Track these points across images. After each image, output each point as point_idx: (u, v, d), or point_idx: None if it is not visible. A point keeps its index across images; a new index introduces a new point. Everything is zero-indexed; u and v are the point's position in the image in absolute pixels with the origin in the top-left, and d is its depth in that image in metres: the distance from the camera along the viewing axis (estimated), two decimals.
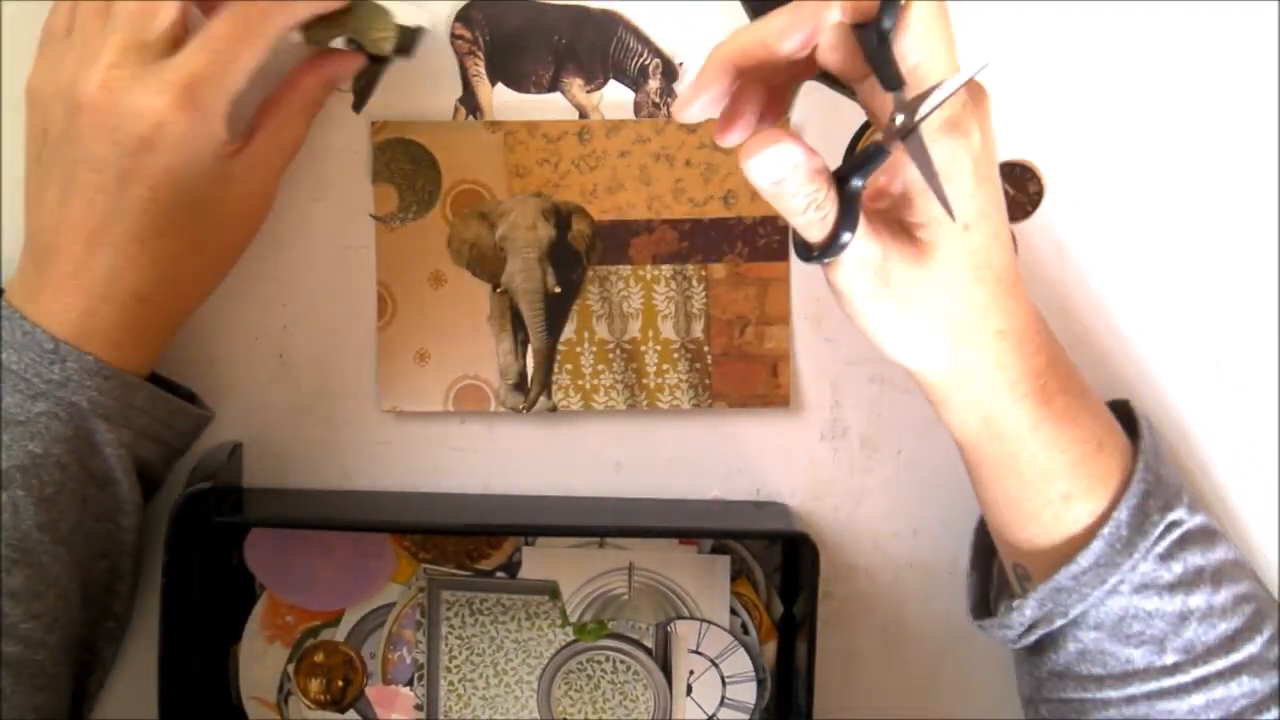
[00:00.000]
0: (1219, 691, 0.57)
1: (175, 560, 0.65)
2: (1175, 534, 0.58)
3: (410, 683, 0.71)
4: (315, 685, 0.71)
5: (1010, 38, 0.68)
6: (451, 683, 0.71)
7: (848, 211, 0.53)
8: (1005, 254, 0.56)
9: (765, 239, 0.69)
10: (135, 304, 0.60)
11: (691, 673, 0.70)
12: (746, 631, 0.70)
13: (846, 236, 0.53)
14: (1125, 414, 0.63)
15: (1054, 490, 0.58)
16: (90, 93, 0.58)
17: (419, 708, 0.71)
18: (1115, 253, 0.69)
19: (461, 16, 0.69)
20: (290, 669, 0.71)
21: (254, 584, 0.71)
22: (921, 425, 0.69)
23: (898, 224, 0.55)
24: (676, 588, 0.70)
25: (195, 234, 0.61)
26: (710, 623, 0.70)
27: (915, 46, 0.51)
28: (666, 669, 0.70)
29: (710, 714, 0.70)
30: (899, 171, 0.54)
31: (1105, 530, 0.57)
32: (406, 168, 0.69)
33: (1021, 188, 0.68)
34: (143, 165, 0.58)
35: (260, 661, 0.71)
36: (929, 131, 0.52)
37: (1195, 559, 0.58)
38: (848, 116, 0.69)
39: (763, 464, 0.71)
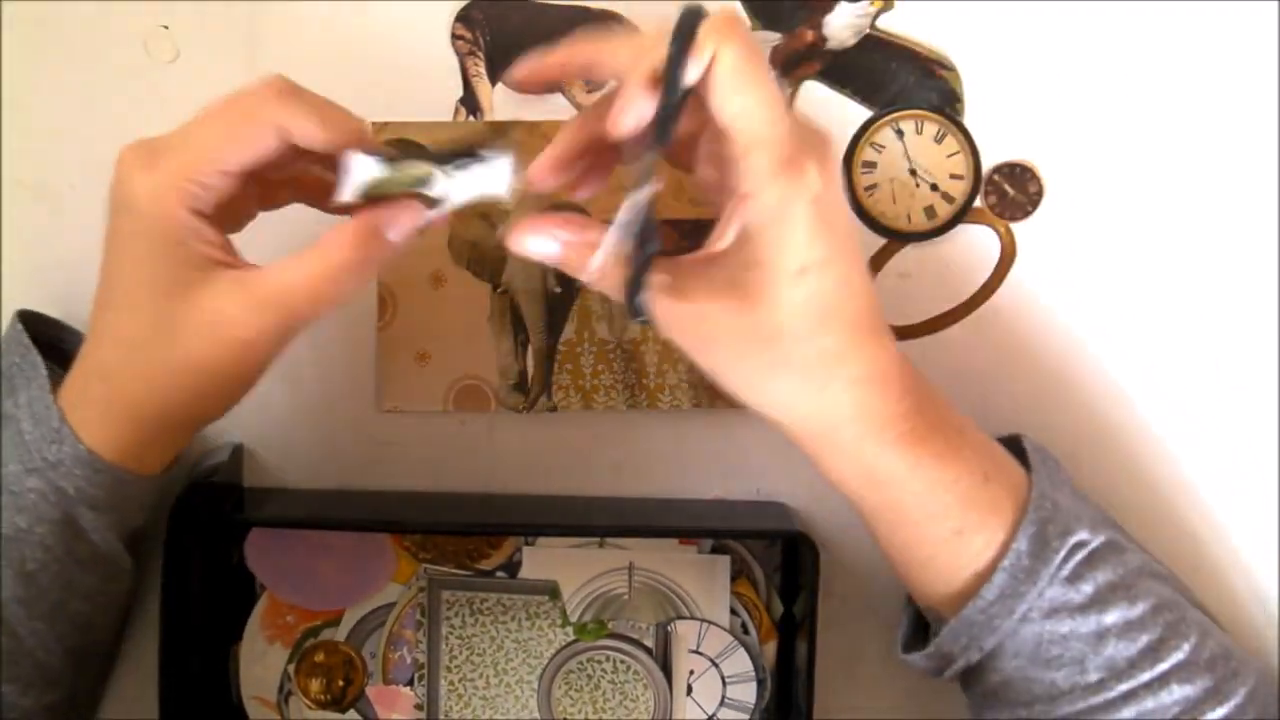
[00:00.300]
0: (1149, 703, 0.56)
1: (175, 560, 0.65)
2: (1080, 555, 0.57)
3: (411, 682, 0.71)
4: (316, 685, 0.71)
5: (1010, 38, 0.68)
6: (452, 682, 0.71)
7: (639, 276, 0.54)
8: (857, 300, 0.55)
9: None
10: (99, 380, 0.58)
11: (692, 673, 0.70)
12: (747, 631, 0.70)
13: (638, 301, 0.54)
14: (1019, 448, 0.62)
15: (945, 529, 0.58)
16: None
17: (419, 707, 0.71)
18: (1115, 253, 0.68)
19: (461, 16, 0.69)
20: (291, 669, 0.71)
21: (254, 584, 0.71)
22: None
23: (726, 275, 0.54)
24: (677, 588, 0.70)
25: (157, 321, 0.55)
26: (710, 623, 0.70)
27: (729, 98, 0.51)
28: (667, 669, 0.70)
29: (710, 714, 0.70)
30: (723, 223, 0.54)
31: (1006, 561, 0.57)
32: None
33: (1021, 188, 0.68)
34: (119, 227, 0.56)
35: (261, 661, 0.71)
36: (759, 175, 0.52)
37: (1105, 576, 0.57)
38: (848, 116, 0.69)
39: (763, 464, 0.71)
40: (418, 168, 0.56)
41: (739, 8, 0.68)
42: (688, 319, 0.55)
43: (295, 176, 0.60)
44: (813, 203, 0.52)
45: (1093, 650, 0.57)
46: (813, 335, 0.54)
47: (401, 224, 0.56)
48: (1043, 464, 0.60)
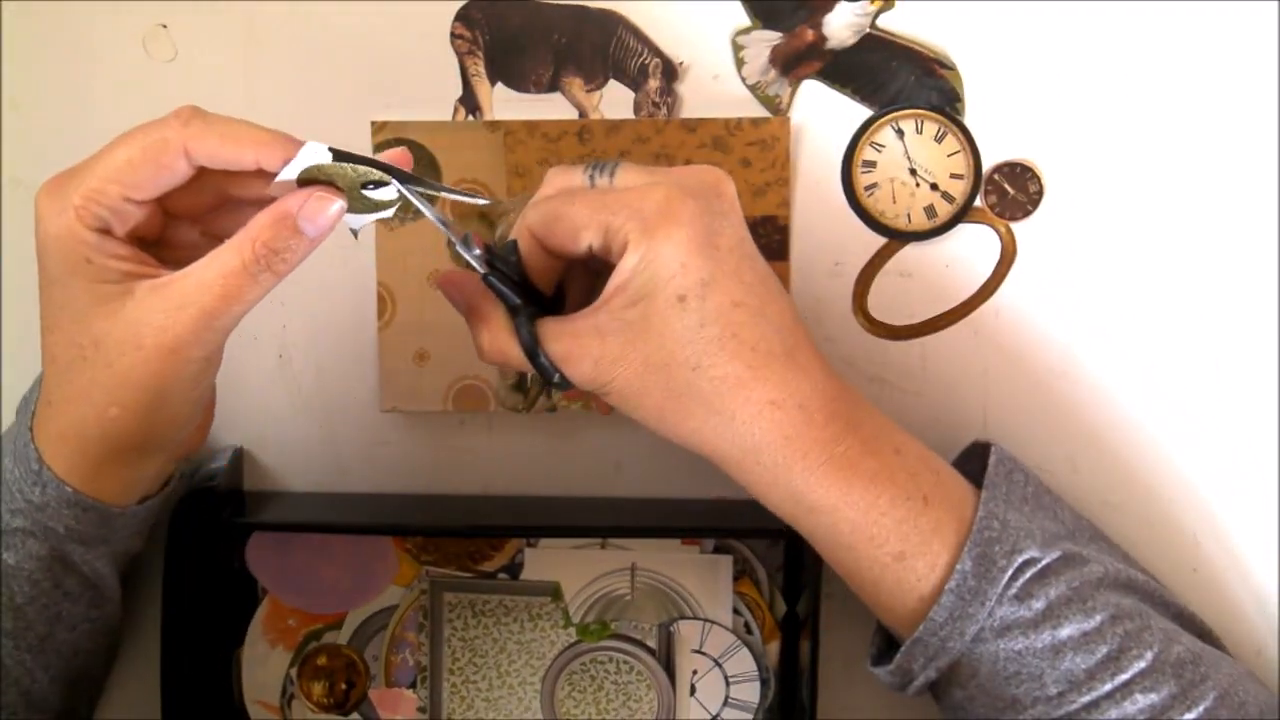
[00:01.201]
0: (1113, 713, 0.56)
1: (176, 565, 0.65)
2: (1030, 572, 0.57)
3: (413, 685, 0.71)
4: (318, 688, 0.71)
5: (1010, 37, 0.68)
6: (454, 685, 0.70)
7: (530, 343, 0.57)
8: (762, 324, 0.56)
9: (765, 238, 0.69)
10: (44, 405, 0.58)
11: (695, 673, 0.70)
12: (750, 631, 0.70)
13: (543, 364, 0.57)
14: (981, 461, 0.62)
15: (884, 553, 0.57)
16: None
17: (422, 710, 0.71)
18: (1115, 253, 0.69)
19: (461, 16, 0.68)
20: (293, 672, 0.71)
21: (256, 588, 0.71)
22: (921, 425, 0.69)
23: (614, 319, 0.56)
24: (679, 588, 0.70)
25: (79, 339, 0.55)
26: (713, 622, 0.70)
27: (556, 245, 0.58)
28: (670, 669, 0.70)
29: (714, 714, 0.70)
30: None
31: (952, 583, 0.57)
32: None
33: (1021, 188, 0.69)
34: (37, 250, 0.56)
35: (263, 665, 0.70)
36: (620, 233, 0.55)
37: (1058, 590, 0.57)
38: (848, 116, 0.69)
39: None
40: (369, 172, 0.55)
41: (739, 8, 0.68)
42: (589, 367, 0.56)
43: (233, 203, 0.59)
44: (682, 228, 0.55)
45: (1049, 665, 0.57)
46: (706, 363, 0.55)
47: (314, 215, 0.54)
48: (1005, 479, 0.60)
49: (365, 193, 0.55)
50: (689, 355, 0.55)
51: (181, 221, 0.59)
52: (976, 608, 0.57)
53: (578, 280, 0.62)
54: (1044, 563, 0.57)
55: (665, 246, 0.55)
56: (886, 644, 0.64)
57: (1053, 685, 0.57)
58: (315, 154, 0.54)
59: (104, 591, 0.63)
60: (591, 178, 0.59)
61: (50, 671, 0.62)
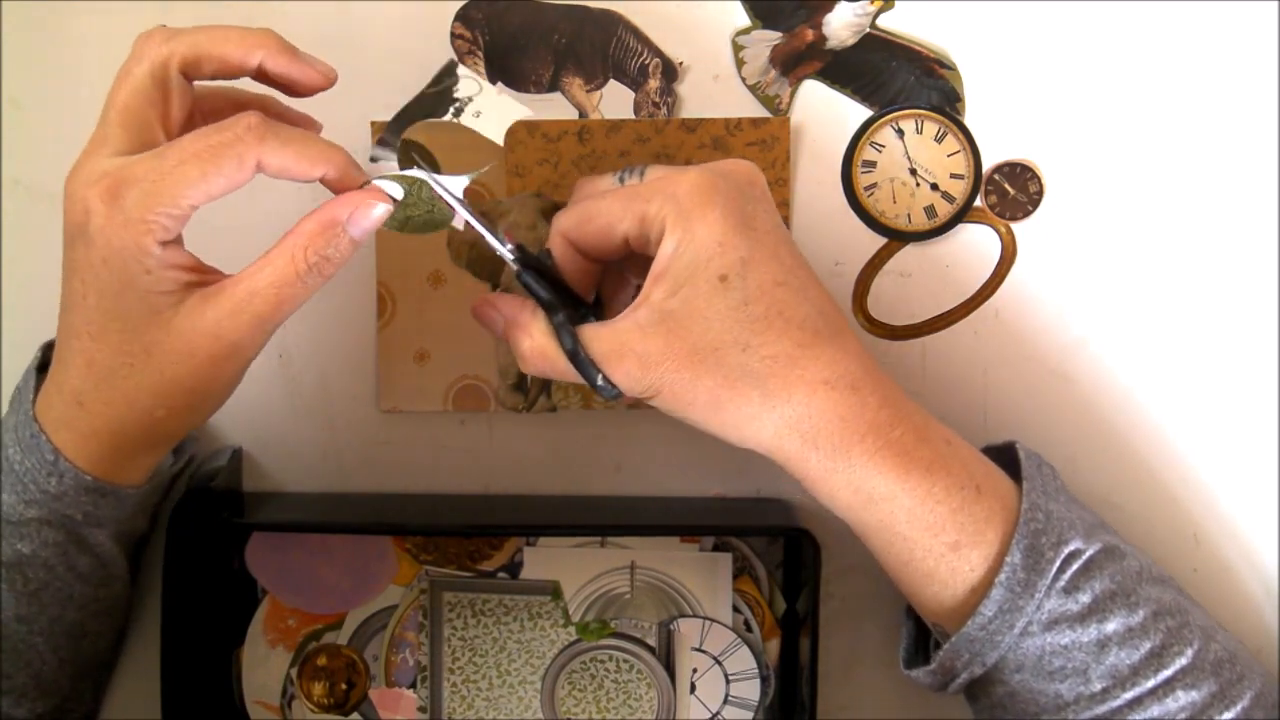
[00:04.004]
0: (1155, 710, 0.56)
1: (176, 566, 0.64)
2: (1076, 564, 0.57)
3: (413, 685, 0.71)
4: (319, 689, 0.71)
5: (1010, 37, 0.68)
6: (454, 684, 0.70)
7: (574, 351, 0.57)
8: (806, 304, 0.56)
9: None
10: (74, 406, 0.57)
11: (695, 671, 0.70)
12: (749, 629, 0.70)
13: (598, 382, 0.56)
14: (1012, 458, 0.62)
15: (941, 543, 0.57)
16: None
17: (422, 709, 0.71)
18: (1115, 252, 0.69)
19: (461, 16, 0.68)
20: (293, 673, 0.71)
21: (256, 588, 0.71)
22: None
23: (656, 314, 0.56)
24: (679, 586, 0.70)
25: (128, 348, 0.55)
26: (713, 620, 0.70)
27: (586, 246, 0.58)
28: (670, 667, 0.70)
29: (714, 712, 0.70)
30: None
31: (1002, 576, 0.56)
32: (406, 167, 0.68)
33: (1021, 188, 0.69)
34: (78, 256, 0.54)
35: (263, 666, 0.70)
36: (656, 223, 0.55)
37: (1103, 584, 0.57)
38: (848, 116, 0.69)
39: (763, 465, 0.69)
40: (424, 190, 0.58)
41: (739, 7, 0.68)
42: (636, 368, 0.56)
43: None
44: (716, 209, 0.54)
45: (1095, 660, 0.57)
46: (755, 343, 0.55)
47: (361, 219, 0.56)
48: (1037, 472, 0.60)
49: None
50: (737, 336, 0.54)
51: None
52: (1026, 600, 0.56)
53: (614, 287, 0.62)
54: (1088, 554, 0.58)
55: (701, 227, 0.54)
56: (916, 646, 0.64)
57: (1097, 681, 0.57)
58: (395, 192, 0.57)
59: (113, 570, 0.64)
60: (621, 179, 0.59)
61: (60, 654, 0.62)
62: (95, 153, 0.55)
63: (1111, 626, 0.57)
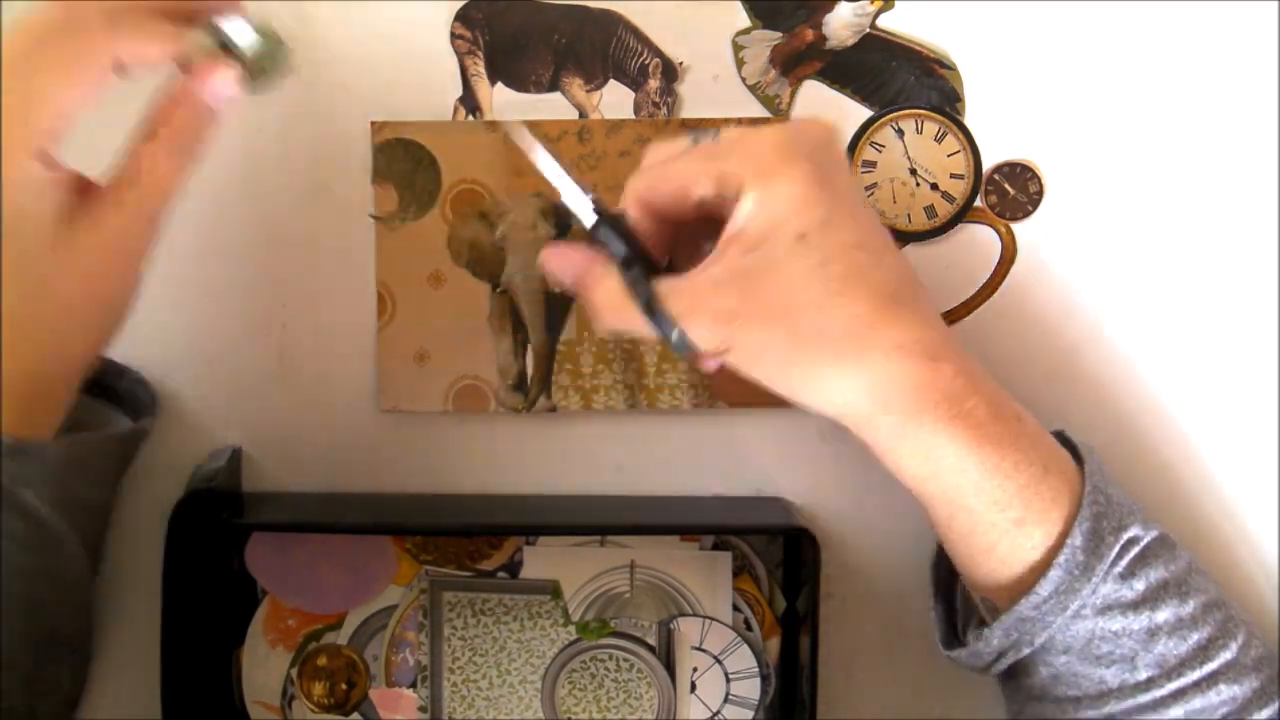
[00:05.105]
0: (1197, 702, 0.56)
1: (176, 566, 0.64)
2: (1134, 551, 0.57)
3: (413, 684, 0.71)
4: (319, 689, 0.71)
5: (1010, 37, 0.68)
6: (455, 684, 0.71)
7: (648, 305, 0.55)
8: (884, 268, 0.55)
9: None
10: None
11: (695, 670, 0.70)
12: (749, 627, 0.70)
13: (675, 338, 0.55)
14: (1065, 443, 0.62)
15: (1006, 518, 0.57)
16: None
17: (423, 709, 0.71)
18: (1116, 252, 0.69)
19: (461, 16, 0.68)
20: (293, 673, 0.71)
21: (255, 588, 0.71)
22: None
23: (733, 270, 0.55)
24: (679, 585, 0.70)
25: (31, 292, 0.54)
26: (713, 619, 0.70)
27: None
28: (670, 666, 0.70)
29: (715, 711, 0.70)
30: (688, 197, 0.56)
31: (1061, 557, 0.56)
32: (406, 168, 0.68)
33: (1021, 188, 0.69)
34: None
35: (263, 666, 0.70)
36: (732, 177, 0.54)
37: (1158, 573, 0.57)
38: (848, 116, 0.69)
39: (763, 465, 0.71)
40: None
41: (739, 7, 0.68)
42: (709, 323, 0.54)
43: None
44: (798, 167, 0.53)
45: (1144, 648, 0.57)
46: (832, 303, 0.53)
47: (219, 90, 0.57)
48: (1090, 457, 0.60)
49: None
50: (814, 296, 0.53)
51: None
52: (1083, 583, 0.56)
53: (686, 254, 0.60)
54: (1145, 541, 0.57)
55: (783, 185, 0.53)
56: (950, 628, 0.64)
57: (1144, 669, 0.57)
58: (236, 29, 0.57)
59: (55, 535, 0.60)
60: (695, 140, 0.58)
61: (15, 630, 0.58)
62: None
63: (1163, 616, 0.57)
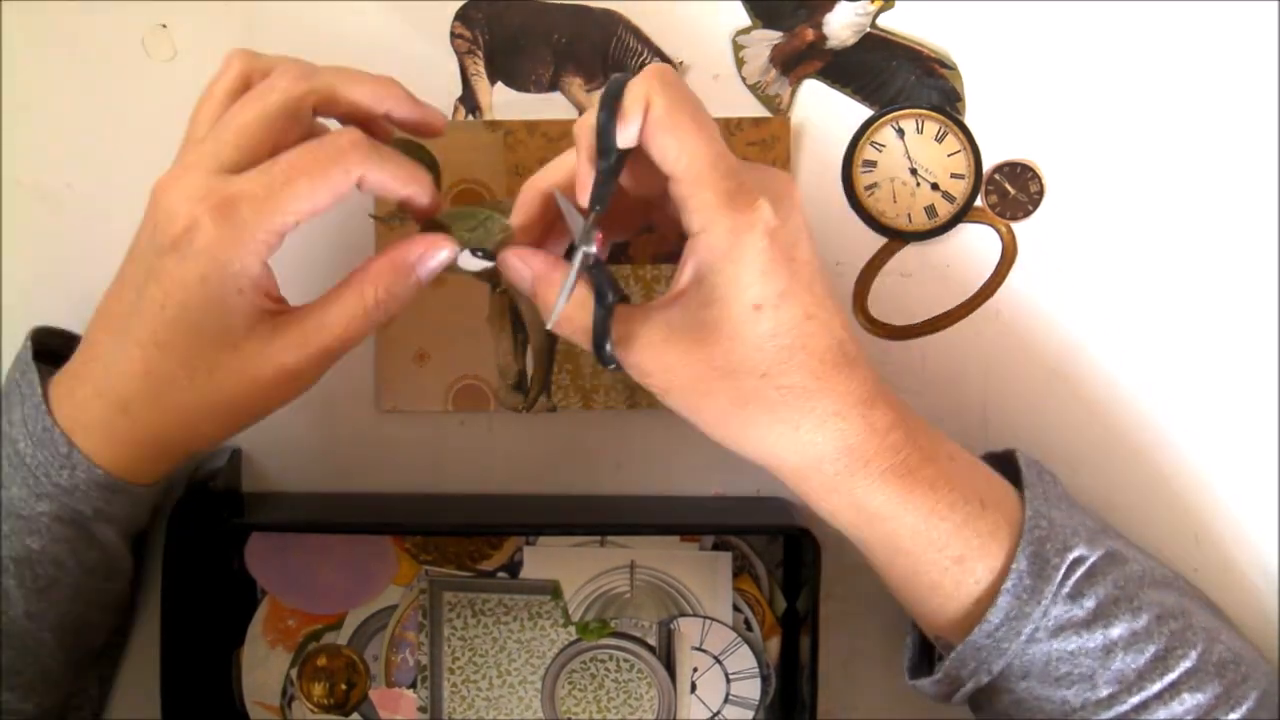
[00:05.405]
0: (1161, 714, 0.56)
1: (176, 566, 0.64)
2: (1080, 570, 0.58)
3: (413, 685, 0.71)
4: (319, 689, 0.70)
5: (1010, 37, 0.68)
6: (455, 684, 0.70)
7: (602, 328, 0.56)
8: (828, 334, 0.56)
9: None
10: (117, 411, 0.57)
11: (695, 670, 0.70)
12: (750, 628, 0.70)
13: (607, 351, 0.56)
14: (1013, 465, 0.62)
15: (945, 557, 0.58)
16: (156, 185, 0.55)
17: (423, 710, 0.71)
18: (1116, 252, 0.69)
19: (461, 16, 0.68)
20: (293, 673, 0.70)
21: (255, 588, 0.71)
22: None
23: (686, 317, 0.56)
24: (679, 585, 0.70)
25: (194, 363, 0.56)
26: (713, 619, 0.70)
27: (666, 142, 0.54)
28: (670, 667, 0.70)
29: (715, 711, 0.70)
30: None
31: (1008, 584, 0.57)
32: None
33: (1022, 187, 0.69)
34: (167, 267, 0.54)
35: (263, 666, 0.70)
36: (707, 210, 0.54)
37: (1107, 589, 0.58)
38: (848, 115, 0.69)
39: None
40: (482, 238, 0.59)
41: (739, 7, 0.68)
42: (652, 364, 0.56)
43: None
44: (766, 236, 0.54)
45: (1101, 665, 0.57)
46: (776, 372, 0.55)
47: (429, 260, 0.58)
48: (1038, 479, 0.61)
49: (468, 254, 0.59)
50: (759, 363, 0.55)
51: None
52: (1032, 607, 0.57)
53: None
54: (1091, 560, 0.58)
55: (749, 254, 0.54)
56: (920, 656, 0.64)
57: (1104, 686, 0.57)
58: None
59: (119, 564, 0.64)
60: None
61: (67, 649, 0.62)
62: (198, 165, 0.55)
63: (1116, 631, 0.57)
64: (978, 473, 0.60)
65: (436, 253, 0.58)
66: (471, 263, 0.59)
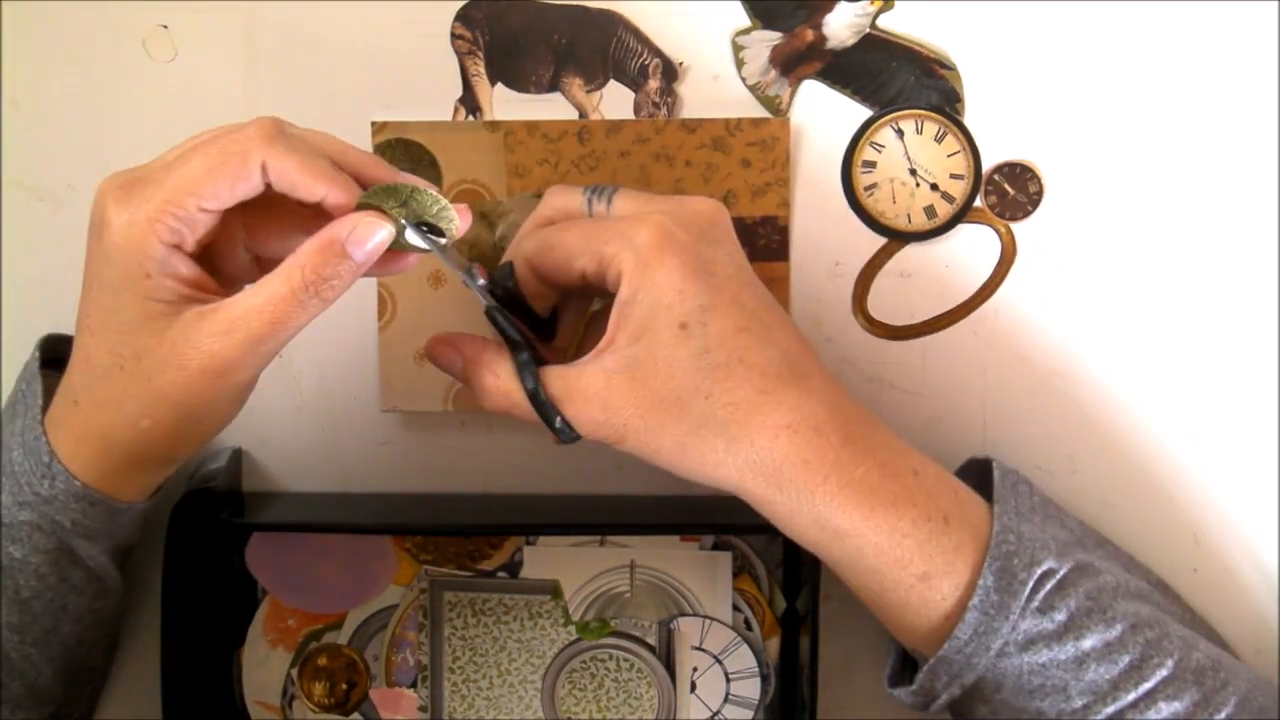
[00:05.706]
0: None
1: (176, 566, 0.65)
2: (1050, 584, 0.57)
3: (414, 684, 0.71)
4: (319, 689, 0.71)
5: (1010, 38, 0.68)
6: (455, 684, 0.71)
7: (535, 394, 0.57)
8: (769, 348, 0.56)
9: (765, 239, 0.69)
10: (70, 404, 0.57)
11: (695, 669, 0.70)
12: (749, 627, 0.71)
13: (558, 425, 0.58)
14: (986, 475, 0.62)
15: (911, 575, 0.57)
16: None
17: (423, 709, 0.71)
18: (1116, 253, 0.69)
19: (461, 16, 0.68)
20: (294, 673, 0.71)
21: (256, 588, 0.71)
22: (920, 425, 0.70)
23: (620, 359, 0.56)
24: (679, 584, 0.70)
25: (119, 349, 0.55)
26: (713, 619, 0.70)
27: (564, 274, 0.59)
28: (670, 666, 0.70)
29: (715, 710, 0.70)
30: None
31: (975, 599, 0.57)
32: (406, 168, 0.68)
33: (1021, 188, 0.69)
34: (91, 249, 0.55)
35: (264, 666, 0.71)
36: (611, 260, 0.56)
37: (1078, 601, 0.57)
38: (848, 116, 0.69)
39: None
40: (423, 212, 0.57)
41: (739, 7, 0.68)
42: (599, 413, 0.56)
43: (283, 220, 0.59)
44: (674, 254, 0.55)
45: (1074, 677, 0.57)
46: (719, 391, 0.55)
47: (363, 240, 0.55)
48: (1011, 492, 0.61)
49: (410, 233, 0.57)
50: (699, 384, 0.55)
51: (231, 242, 0.58)
52: (1000, 622, 0.57)
53: (572, 308, 0.63)
54: (1061, 573, 0.58)
55: (660, 274, 0.55)
56: (902, 664, 0.64)
57: (1077, 697, 0.57)
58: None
59: (107, 583, 0.64)
60: (590, 201, 0.60)
61: (54, 664, 0.62)
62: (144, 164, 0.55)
63: (1088, 643, 0.57)
64: (944, 487, 0.59)
65: (371, 230, 0.55)
66: (423, 241, 0.57)
